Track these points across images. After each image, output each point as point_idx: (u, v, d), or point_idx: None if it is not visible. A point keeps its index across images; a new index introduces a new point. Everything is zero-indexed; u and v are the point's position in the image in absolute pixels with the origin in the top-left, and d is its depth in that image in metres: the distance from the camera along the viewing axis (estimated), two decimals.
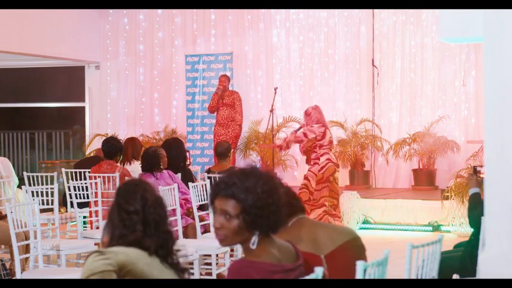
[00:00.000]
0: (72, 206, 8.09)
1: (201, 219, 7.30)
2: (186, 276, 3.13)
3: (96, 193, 7.56)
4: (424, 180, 12.20)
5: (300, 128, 9.75)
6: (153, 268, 3.01)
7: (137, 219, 3.00)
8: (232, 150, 10.44)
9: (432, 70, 12.84)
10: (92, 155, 12.29)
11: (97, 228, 7.66)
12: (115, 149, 8.34)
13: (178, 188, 7.32)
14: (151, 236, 3.03)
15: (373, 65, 13.14)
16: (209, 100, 12.76)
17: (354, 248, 3.35)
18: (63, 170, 9.31)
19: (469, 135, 12.45)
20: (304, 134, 9.37)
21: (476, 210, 5.07)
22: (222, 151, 8.70)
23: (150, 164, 7.54)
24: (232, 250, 7.09)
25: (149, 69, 14.69)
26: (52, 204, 6.80)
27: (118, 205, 3.05)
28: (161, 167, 7.57)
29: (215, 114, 12.46)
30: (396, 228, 10.52)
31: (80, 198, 7.99)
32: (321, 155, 9.35)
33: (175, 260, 3.11)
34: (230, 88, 12.67)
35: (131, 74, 14.80)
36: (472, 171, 5.51)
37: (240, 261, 2.92)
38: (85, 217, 8.40)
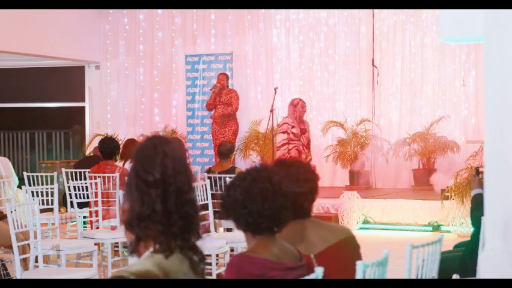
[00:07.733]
0: (72, 206, 8.09)
1: (201, 219, 7.28)
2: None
3: (96, 193, 7.56)
4: (424, 180, 12.19)
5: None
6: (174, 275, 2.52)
7: (156, 194, 2.57)
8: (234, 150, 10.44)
9: (432, 70, 12.84)
10: (91, 154, 12.26)
11: (97, 228, 7.67)
12: (112, 149, 8.34)
13: None
14: (172, 223, 2.61)
15: (373, 65, 13.13)
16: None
17: (347, 247, 3.33)
18: (63, 170, 9.31)
19: (469, 135, 12.44)
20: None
21: (478, 210, 5.06)
22: (224, 151, 8.70)
23: None
24: (232, 250, 7.10)
25: (149, 69, 14.68)
26: (52, 204, 6.79)
27: (136, 172, 2.62)
28: None
29: (212, 112, 12.42)
30: (396, 228, 10.51)
31: (80, 198, 7.99)
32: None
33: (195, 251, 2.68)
34: (230, 87, 12.64)
35: (131, 74, 14.79)
36: (474, 172, 5.52)
37: (239, 256, 2.95)
38: (85, 217, 8.40)
